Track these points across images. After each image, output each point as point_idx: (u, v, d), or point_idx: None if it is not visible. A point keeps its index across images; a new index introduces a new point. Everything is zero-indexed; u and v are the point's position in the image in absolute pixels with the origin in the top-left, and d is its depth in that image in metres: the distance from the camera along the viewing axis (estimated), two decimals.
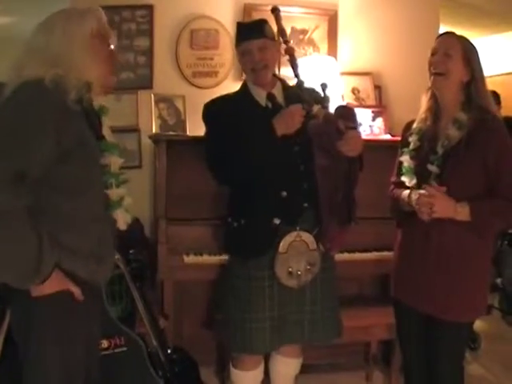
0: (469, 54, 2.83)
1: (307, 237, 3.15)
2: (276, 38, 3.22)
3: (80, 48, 2.30)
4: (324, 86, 3.15)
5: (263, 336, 3.20)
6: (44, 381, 2.33)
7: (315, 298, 3.28)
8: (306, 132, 3.03)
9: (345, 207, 3.02)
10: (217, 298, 3.47)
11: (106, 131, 2.47)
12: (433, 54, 2.90)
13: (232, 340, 3.32)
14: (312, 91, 3.17)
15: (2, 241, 2.12)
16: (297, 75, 3.09)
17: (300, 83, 3.06)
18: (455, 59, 2.82)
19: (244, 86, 3.31)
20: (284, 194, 3.13)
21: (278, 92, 3.25)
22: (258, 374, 3.46)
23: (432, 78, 2.89)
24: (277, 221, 3.12)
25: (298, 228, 3.14)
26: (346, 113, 2.89)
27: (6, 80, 2.27)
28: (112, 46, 2.49)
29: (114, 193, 2.44)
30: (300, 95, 3.02)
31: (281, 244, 3.11)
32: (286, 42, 3.18)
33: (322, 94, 3.06)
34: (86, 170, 2.29)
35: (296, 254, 3.12)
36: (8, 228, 2.10)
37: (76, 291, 2.31)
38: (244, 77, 3.39)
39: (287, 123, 3.01)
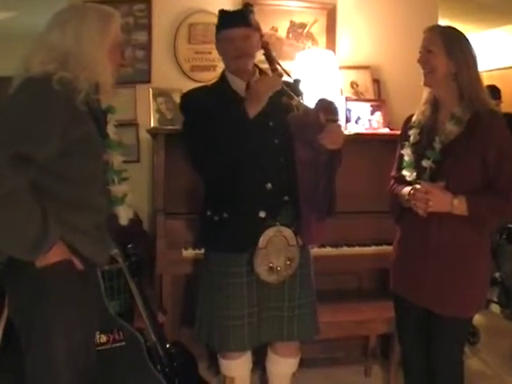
0: (450, 45, 2.80)
1: (287, 232, 3.10)
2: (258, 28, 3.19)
3: (98, 51, 2.36)
4: (297, 82, 3.14)
5: (241, 333, 3.18)
6: (51, 355, 2.38)
7: (293, 294, 3.26)
8: (286, 124, 2.99)
9: (325, 200, 2.99)
10: (195, 295, 3.43)
11: (110, 129, 2.53)
12: (420, 52, 2.90)
13: (210, 337, 3.30)
14: (290, 85, 3.11)
15: (8, 214, 2.18)
16: (274, 69, 3.08)
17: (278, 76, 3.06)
18: (437, 54, 2.81)
19: (223, 77, 3.26)
20: (269, 186, 3.09)
21: None
22: (244, 361, 3.44)
23: (422, 76, 2.90)
24: (262, 214, 3.08)
25: (278, 223, 3.11)
26: (327, 105, 2.86)
27: (14, 73, 2.32)
28: (125, 52, 2.54)
29: (116, 189, 2.50)
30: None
31: (260, 239, 3.06)
32: (262, 36, 3.18)
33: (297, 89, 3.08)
34: (88, 165, 2.36)
35: (275, 249, 3.08)
36: (14, 202, 2.17)
37: (76, 261, 2.37)
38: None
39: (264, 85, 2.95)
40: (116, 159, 2.50)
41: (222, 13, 3.19)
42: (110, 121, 2.53)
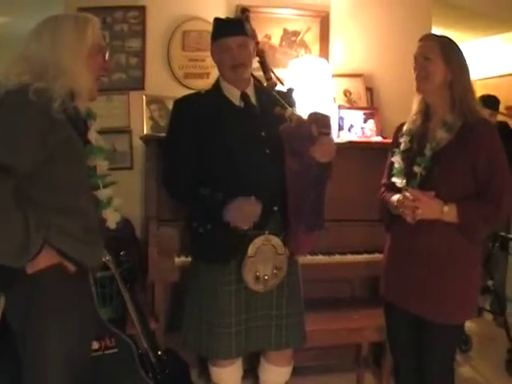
0: (447, 53, 2.84)
1: (276, 241, 3.12)
2: (254, 35, 3.21)
3: (74, 59, 2.37)
4: (290, 91, 3.15)
5: (229, 341, 3.17)
6: (47, 360, 2.41)
7: (281, 303, 3.27)
8: (278, 135, 2.99)
9: (313, 213, 2.99)
10: (183, 302, 3.43)
11: (92, 135, 2.52)
12: (415, 59, 2.92)
13: (197, 344, 3.29)
14: (284, 94, 3.14)
15: None
16: (268, 78, 3.09)
17: (272, 86, 3.07)
18: (435, 61, 2.83)
19: (217, 84, 3.26)
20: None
21: (251, 92, 3.22)
22: (235, 369, 3.44)
23: (416, 82, 2.91)
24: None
25: (266, 232, 3.11)
26: (320, 118, 2.86)
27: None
28: (107, 56, 2.54)
29: (101, 193, 2.51)
30: (273, 97, 3.01)
31: (249, 248, 3.07)
32: (257, 43, 3.18)
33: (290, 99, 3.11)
34: (71, 171, 2.38)
35: (263, 257, 3.09)
36: None
37: (68, 264, 2.39)
38: None
39: (241, 216, 3.01)
40: (99, 164, 2.51)
41: (218, 21, 3.19)
42: (91, 127, 2.53)
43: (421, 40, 2.94)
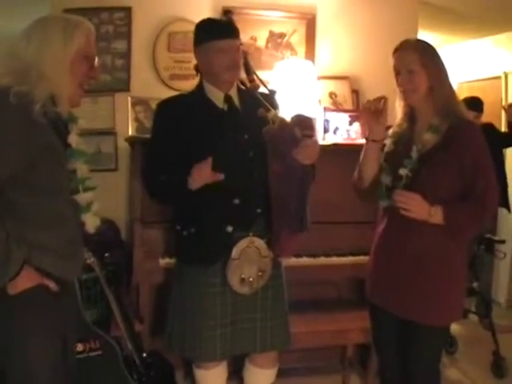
0: (426, 60, 2.82)
1: (260, 243, 3.13)
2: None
3: (56, 64, 2.34)
4: (273, 93, 3.15)
5: (213, 343, 3.17)
6: (30, 377, 2.36)
7: (266, 305, 3.27)
8: (261, 137, 2.98)
9: (297, 214, 2.99)
10: (167, 304, 3.42)
11: (72, 139, 2.49)
12: (397, 74, 2.91)
13: (181, 346, 3.29)
14: (267, 96, 3.15)
15: None
16: (251, 79, 3.09)
17: (255, 87, 3.07)
18: (418, 72, 2.82)
19: (200, 86, 3.25)
20: (236, 201, 3.10)
21: (234, 94, 3.21)
22: (219, 371, 3.43)
23: (403, 96, 2.92)
24: (229, 228, 3.09)
25: (250, 234, 3.12)
26: (303, 120, 2.86)
27: None
28: (96, 62, 2.51)
29: (80, 197, 2.49)
30: (256, 99, 3.02)
31: (233, 250, 3.07)
32: (240, 44, 3.18)
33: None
34: (53, 175, 2.35)
35: (248, 260, 3.09)
36: None
37: (50, 284, 2.35)
38: None
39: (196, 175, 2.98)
40: (80, 168, 2.48)
41: (213, 22, 3.18)
42: (72, 130, 2.50)
43: (397, 50, 2.92)
